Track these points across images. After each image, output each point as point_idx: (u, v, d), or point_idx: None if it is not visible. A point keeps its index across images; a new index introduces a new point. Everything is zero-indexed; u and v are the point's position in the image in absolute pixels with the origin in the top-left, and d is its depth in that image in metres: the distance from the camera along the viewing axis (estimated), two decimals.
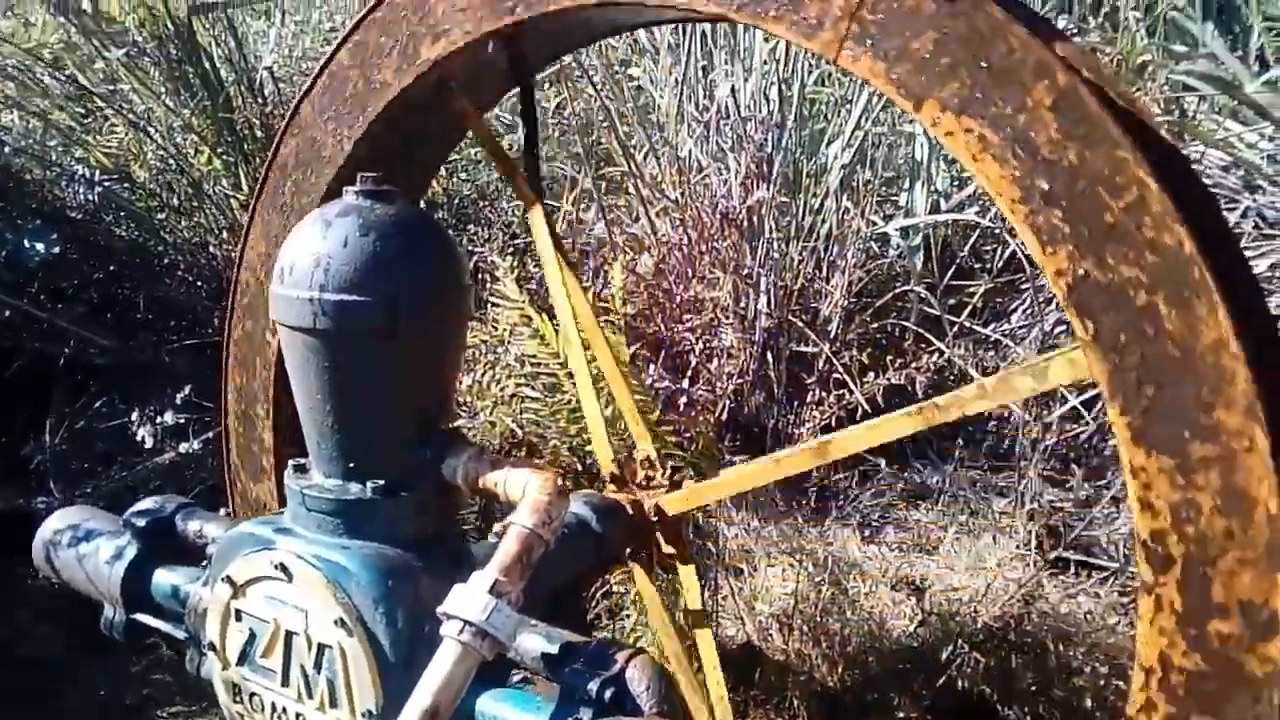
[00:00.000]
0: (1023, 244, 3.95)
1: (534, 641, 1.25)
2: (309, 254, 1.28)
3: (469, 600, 1.17)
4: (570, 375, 2.68)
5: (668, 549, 1.78)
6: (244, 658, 1.37)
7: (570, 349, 1.67)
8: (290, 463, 1.39)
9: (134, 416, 2.81)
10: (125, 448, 3.25)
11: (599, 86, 4.21)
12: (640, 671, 1.17)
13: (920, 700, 2.65)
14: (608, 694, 1.16)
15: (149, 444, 2.80)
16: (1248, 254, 3.49)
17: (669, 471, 1.82)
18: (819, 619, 2.81)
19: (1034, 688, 2.65)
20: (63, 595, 1.84)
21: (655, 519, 1.73)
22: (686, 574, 1.83)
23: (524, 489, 1.27)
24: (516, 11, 1.42)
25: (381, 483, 1.31)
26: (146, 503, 1.59)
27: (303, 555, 1.29)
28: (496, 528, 1.53)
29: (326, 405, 1.31)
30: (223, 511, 2.99)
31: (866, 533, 3.24)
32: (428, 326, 1.30)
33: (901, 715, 2.61)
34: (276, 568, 1.31)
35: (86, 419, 3.35)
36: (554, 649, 1.23)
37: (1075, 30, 4.90)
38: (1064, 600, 2.91)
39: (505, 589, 1.19)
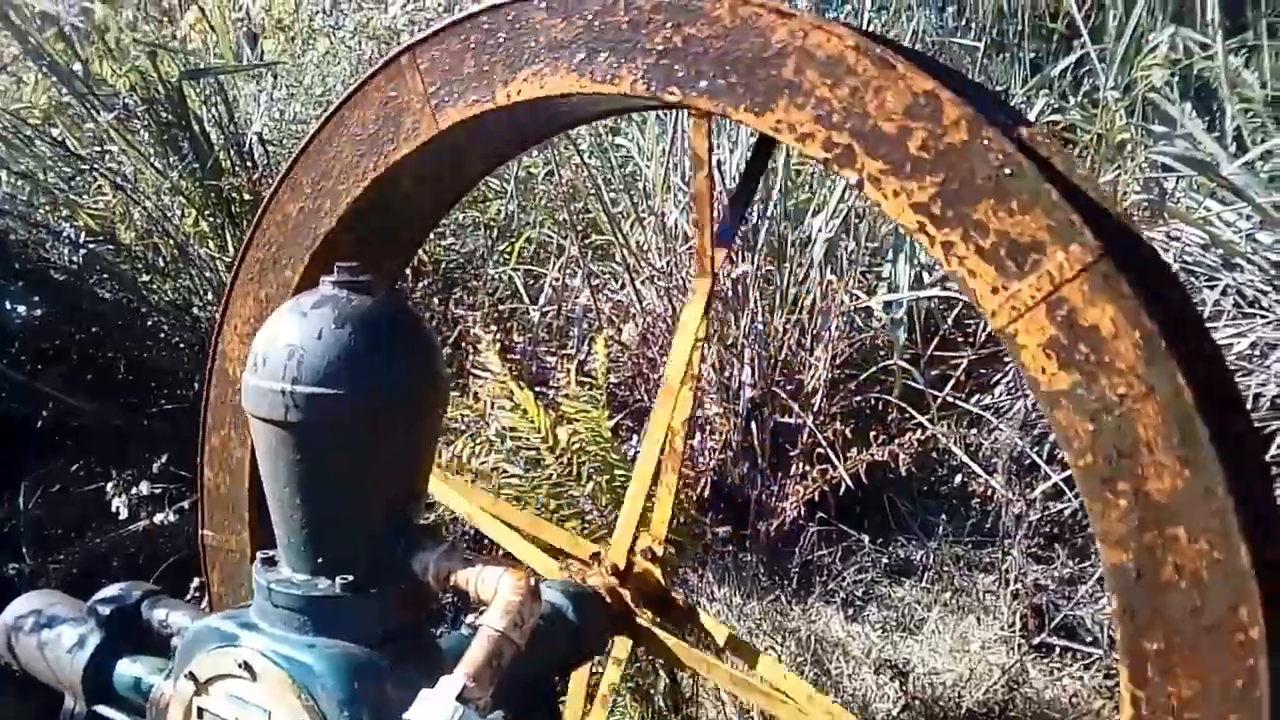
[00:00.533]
0: None
1: None
2: (283, 345, 1.27)
3: (435, 708, 1.14)
4: (551, 449, 2.67)
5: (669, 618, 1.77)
6: None
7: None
8: (259, 554, 1.37)
9: (109, 486, 2.76)
10: (100, 513, 3.20)
11: (586, 154, 4.26)
12: None
13: None
14: None
15: (124, 514, 2.75)
16: (1228, 332, 3.52)
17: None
18: None
19: None
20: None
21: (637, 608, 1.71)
22: (708, 621, 1.82)
23: (496, 588, 1.25)
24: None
25: (350, 578, 1.29)
26: (112, 589, 1.56)
27: (267, 653, 1.26)
28: (470, 619, 1.50)
29: (295, 498, 1.29)
30: (195, 582, 2.95)
31: (850, 611, 3.21)
32: (401, 421, 1.29)
33: None
34: (240, 666, 1.28)
35: (62, 483, 3.30)
36: None
37: (1055, 108, 4.99)
38: (1048, 685, 2.88)
39: (473, 695, 1.16)
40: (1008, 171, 1.12)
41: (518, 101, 1.44)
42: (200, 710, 1.33)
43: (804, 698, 1.63)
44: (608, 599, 1.73)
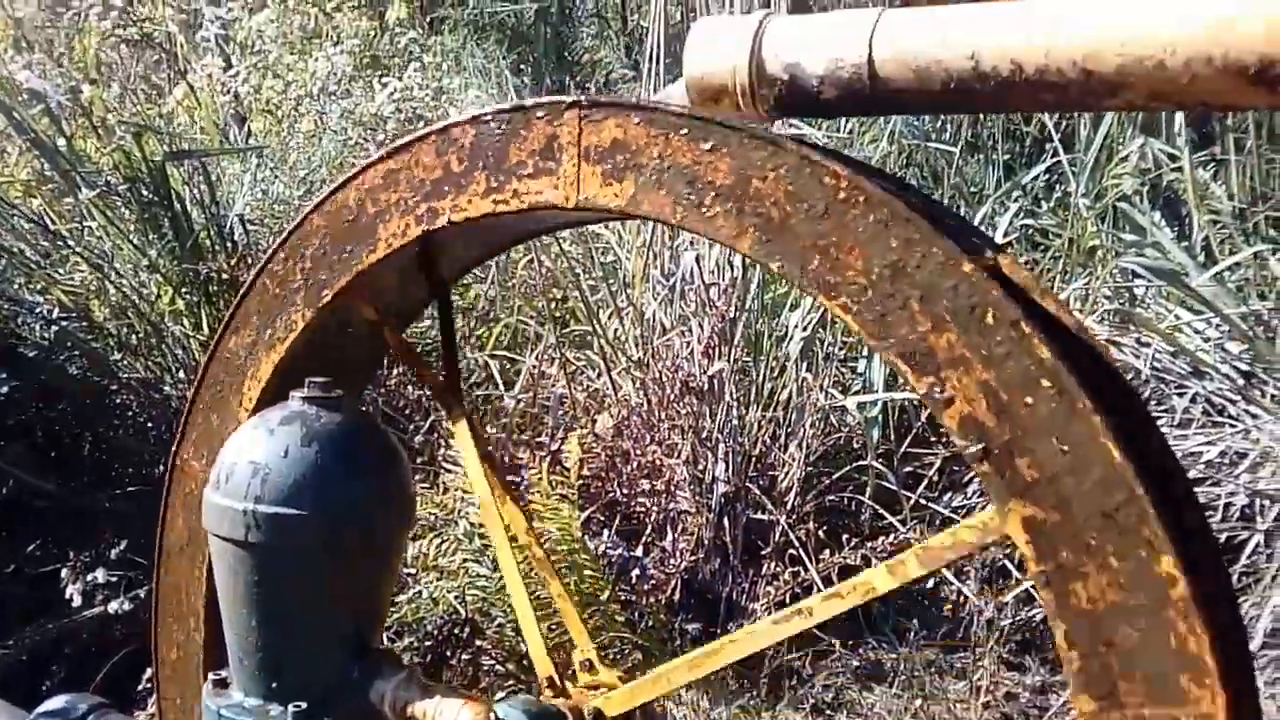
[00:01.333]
0: None
1: None
2: (247, 461, 1.25)
3: None
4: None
5: None
6: None
7: (503, 561, 1.61)
8: (210, 676, 1.33)
9: (65, 572, 2.69)
10: (53, 596, 3.11)
11: (566, 243, 4.29)
12: None
13: None
14: None
15: (77, 602, 2.68)
16: (1197, 440, 3.55)
17: (614, 661, 1.77)
18: None
19: None
20: None
21: None
22: None
23: None
24: (433, 220, 1.39)
25: (304, 706, 1.25)
26: (57, 701, 1.50)
27: None
28: None
29: (251, 620, 1.26)
30: (147, 673, 2.86)
31: (819, 718, 3.15)
32: (367, 544, 1.26)
33: None
34: None
35: (15, 564, 3.22)
36: None
37: (1029, 211, 5.10)
38: None
39: None
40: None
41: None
42: None
43: None
44: (569, 718, 1.68)
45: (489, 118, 1.32)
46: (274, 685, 1.27)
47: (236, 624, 1.28)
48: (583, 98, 1.28)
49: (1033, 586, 3.40)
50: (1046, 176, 5.25)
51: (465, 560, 2.54)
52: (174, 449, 1.65)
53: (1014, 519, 1.04)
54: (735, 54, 1.33)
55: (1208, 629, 0.99)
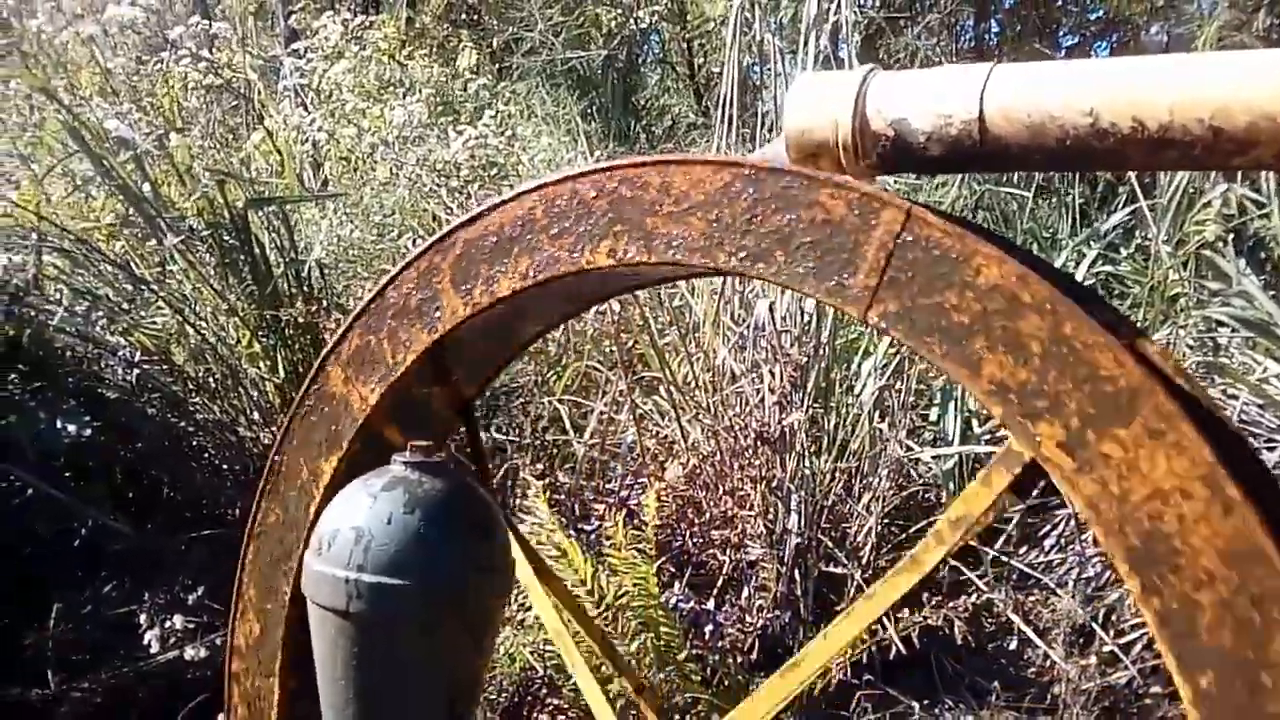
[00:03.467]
0: None
1: None
2: (349, 528, 1.23)
3: None
4: (596, 602, 2.59)
5: None
6: None
7: (574, 664, 1.59)
8: None
9: (142, 616, 2.70)
10: (128, 640, 3.13)
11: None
12: None
13: None
14: None
15: (155, 648, 2.69)
16: None
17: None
18: None
19: None
20: None
21: None
22: None
23: None
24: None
25: None
26: None
27: None
28: None
29: (349, 691, 1.23)
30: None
31: None
32: (467, 615, 1.23)
33: None
34: None
35: (94, 605, 3.25)
36: None
37: (1106, 258, 4.98)
38: None
39: None
40: None
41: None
42: None
43: None
44: None
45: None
46: None
47: (333, 695, 1.25)
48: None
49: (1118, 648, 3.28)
50: (1125, 221, 5.14)
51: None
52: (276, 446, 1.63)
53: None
54: (838, 110, 1.30)
55: None
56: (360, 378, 1.41)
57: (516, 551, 1.47)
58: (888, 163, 1.33)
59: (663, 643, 2.56)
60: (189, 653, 2.66)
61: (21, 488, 3.24)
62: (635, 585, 2.54)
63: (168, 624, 2.64)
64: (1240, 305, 4.09)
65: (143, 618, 2.71)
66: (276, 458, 1.52)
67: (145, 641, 2.69)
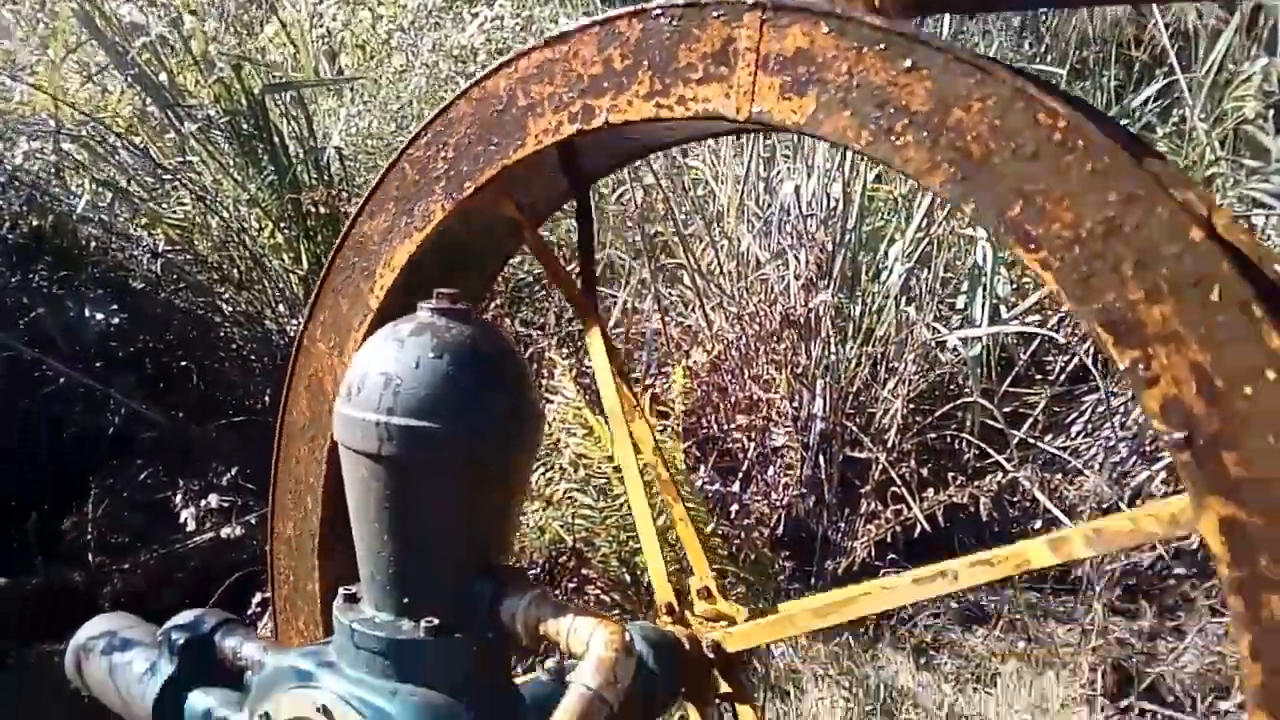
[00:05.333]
0: (1089, 351, 3.87)
1: None
2: (378, 373, 1.22)
3: None
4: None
5: (725, 688, 1.69)
6: None
7: (629, 477, 1.58)
8: (340, 591, 1.32)
9: (177, 497, 2.75)
10: (166, 523, 3.20)
11: (659, 176, 4.21)
12: None
13: None
14: None
15: (191, 526, 2.74)
16: None
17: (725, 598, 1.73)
18: None
19: None
20: None
21: (713, 656, 1.63)
22: (745, 715, 1.72)
23: (589, 642, 1.18)
24: (589, 120, 1.31)
25: (435, 622, 1.23)
26: (185, 616, 1.52)
27: (347, 698, 1.21)
28: (549, 664, 1.43)
29: (384, 535, 1.24)
30: (257, 598, 2.92)
31: (920, 659, 3.09)
32: (498, 457, 1.23)
33: None
34: (319, 710, 1.23)
35: (130, 491, 3.31)
36: None
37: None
38: None
39: None
40: None
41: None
42: None
43: None
44: (687, 646, 1.65)
45: (658, 12, 1.20)
46: (405, 601, 1.25)
47: (368, 539, 1.26)
48: None
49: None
50: (1160, 101, 4.98)
51: (569, 490, 2.53)
52: (301, 330, 1.63)
53: (1209, 516, 0.93)
54: None
55: None
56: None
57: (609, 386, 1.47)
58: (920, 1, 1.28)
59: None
60: (225, 531, 2.72)
61: (54, 377, 3.28)
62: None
63: (203, 503, 2.68)
64: (1279, 183, 3.98)
65: (178, 498, 2.75)
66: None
67: (181, 520, 2.75)
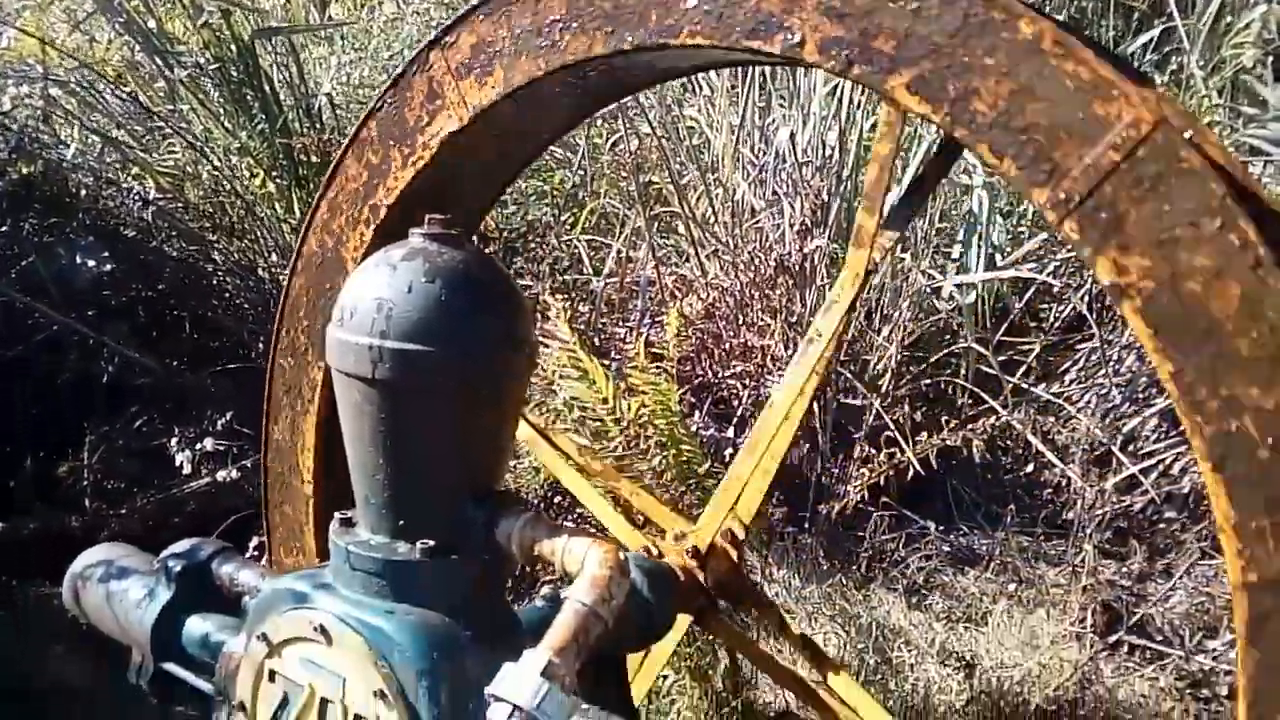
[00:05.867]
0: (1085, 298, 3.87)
1: None
2: (371, 298, 1.22)
3: (520, 683, 1.09)
4: (617, 421, 2.62)
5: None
6: None
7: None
8: (336, 515, 1.33)
9: (173, 441, 2.76)
10: (162, 469, 3.22)
11: (654, 125, 4.17)
12: None
13: None
14: None
15: (187, 470, 2.75)
16: None
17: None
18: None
19: None
20: (89, 629, 1.78)
21: (695, 562, 1.66)
22: (772, 615, 1.76)
23: (583, 561, 1.19)
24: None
25: (431, 543, 1.24)
26: (182, 545, 1.53)
27: (344, 618, 1.22)
28: (545, 590, 1.45)
29: (378, 458, 1.25)
30: (254, 541, 2.94)
31: (912, 599, 3.13)
32: (490, 380, 1.23)
33: None
34: (315, 629, 1.24)
35: (125, 438, 3.32)
36: None
37: None
38: (1120, 684, 2.78)
39: (558, 672, 1.11)
40: None
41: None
42: (272, 673, 1.30)
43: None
44: (682, 578, 1.67)
45: (379, 105, 1.67)
46: (400, 524, 1.26)
47: (363, 463, 1.27)
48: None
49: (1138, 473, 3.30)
50: (1157, 50, 4.93)
51: (565, 430, 2.53)
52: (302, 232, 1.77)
53: None
54: None
55: None
56: None
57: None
58: None
59: (684, 459, 2.59)
60: (221, 475, 2.73)
61: (46, 325, 3.27)
62: (656, 403, 2.56)
63: (198, 447, 2.69)
64: (1277, 130, 3.95)
65: (173, 442, 2.76)
66: None
67: (177, 464, 2.75)
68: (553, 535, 1.23)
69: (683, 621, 1.76)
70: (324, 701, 1.24)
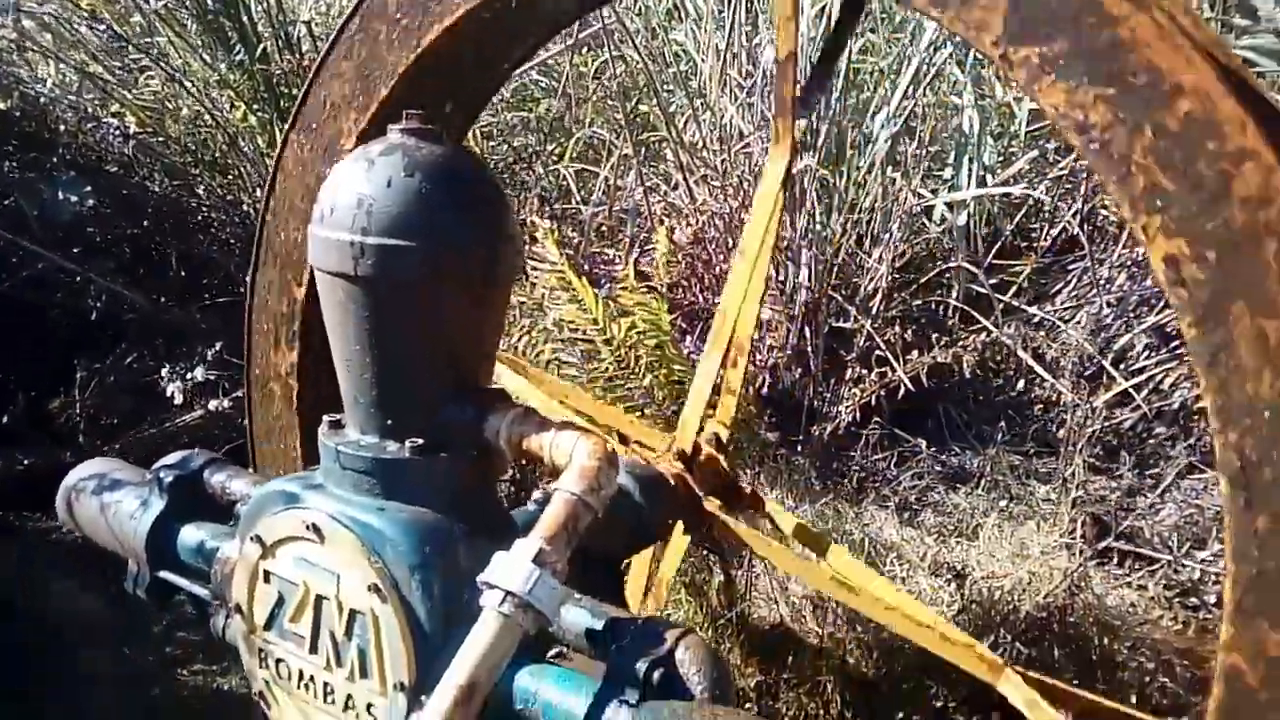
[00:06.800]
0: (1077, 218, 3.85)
1: (578, 616, 1.18)
2: (351, 194, 1.20)
3: (511, 570, 1.10)
4: (608, 342, 2.62)
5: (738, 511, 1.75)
6: (271, 622, 1.31)
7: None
8: (325, 418, 1.33)
9: (164, 373, 2.75)
10: (154, 404, 3.21)
11: (640, 50, 4.11)
12: (691, 653, 1.10)
13: (957, 689, 2.57)
14: (656, 675, 1.09)
15: (178, 400, 2.75)
16: None
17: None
18: None
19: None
20: (87, 554, 1.80)
21: (682, 465, 1.68)
22: (775, 508, 1.80)
23: (571, 453, 1.20)
24: None
25: (420, 441, 1.24)
26: (174, 456, 1.54)
27: (336, 516, 1.23)
28: (536, 494, 1.46)
29: (365, 357, 1.24)
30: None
31: (905, 516, 3.15)
32: (474, 276, 1.23)
33: (939, 705, 2.53)
34: (308, 528, 1.24)
35: (116, 374, 3.31)
36: (599, 625, 1.16)
37: None
38: (1109, 592, 2.82)
39: (550, 559, 1.12)
40: None
41: None
42: (267, 574, 1.31)
43: (873, 586, 1.59)
44: (674, 484, 1.68)
45: None
46: (389, 423, 1.26)
47: (349, 362, 1.26)
48: None
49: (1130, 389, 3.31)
50: None
51: (555, 351, 2.54)
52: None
53: None
54: None
55: None
56: None
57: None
58: None
59: (675, 377, 2.60)
60: (213, 404, 2.72)
61: (31, 261, 3.25)
62: (647, 323, 2.55)
63: (190, 377, 2.68)
64: (1269, 41, 3.91)
65: (164, 373, 2.75)
66: None
67: (169, 395, 2.75)
68: (541, 430, 1.23)
69: (682, 541, 1.78)
70: (319, 598, 1.25)
